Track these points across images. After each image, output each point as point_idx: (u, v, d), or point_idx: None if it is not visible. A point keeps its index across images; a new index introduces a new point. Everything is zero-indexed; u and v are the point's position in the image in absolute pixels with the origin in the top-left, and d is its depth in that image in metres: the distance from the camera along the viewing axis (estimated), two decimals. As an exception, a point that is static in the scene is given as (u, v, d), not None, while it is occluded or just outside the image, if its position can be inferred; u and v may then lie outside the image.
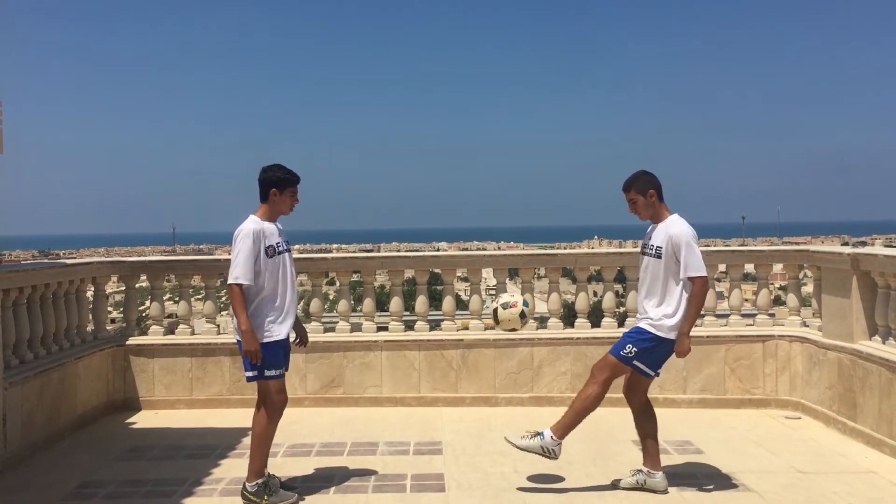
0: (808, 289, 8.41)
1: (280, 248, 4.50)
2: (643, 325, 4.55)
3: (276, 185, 4.49)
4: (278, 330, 4.47)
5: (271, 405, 4.49)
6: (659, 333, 4.48)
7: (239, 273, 4.33)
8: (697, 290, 4.42)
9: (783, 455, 5.39)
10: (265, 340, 4.40)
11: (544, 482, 4.88)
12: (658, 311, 4.50)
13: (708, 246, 7.44)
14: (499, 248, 55.74)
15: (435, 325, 7.39)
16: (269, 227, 4.49)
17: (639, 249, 4.90)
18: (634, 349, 4.51)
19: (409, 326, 7.42)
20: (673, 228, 4.50)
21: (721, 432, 6.03)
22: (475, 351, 7.02)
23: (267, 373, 4.43)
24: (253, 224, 4.42)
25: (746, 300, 8.20)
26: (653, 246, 4.58)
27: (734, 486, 4.79)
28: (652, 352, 4.52)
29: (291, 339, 4.73)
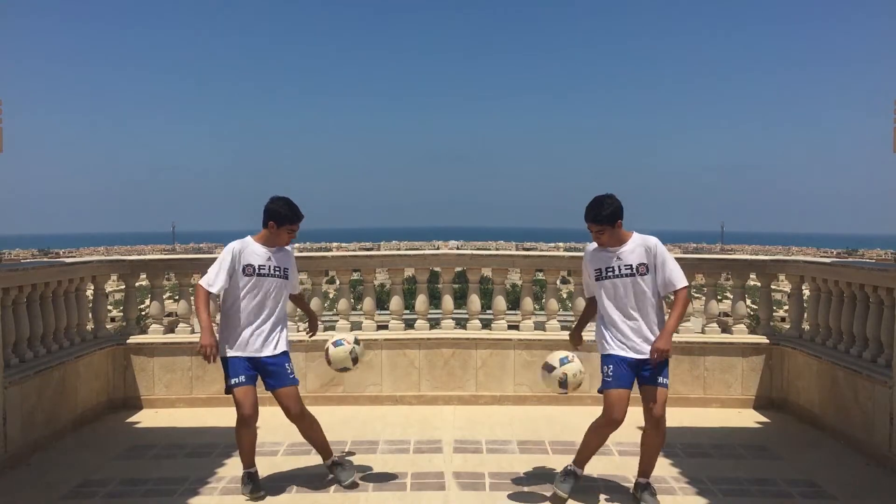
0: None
1: (261, 271, 4.56)
2: None
3: (275, 220, 4.58)
4: (234, 350, 4.55)
5: (237, 414, 4.53)
6: None
7: (206, 279, 4.54)
8: None
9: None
10: (227, 354, 4.56)
11: (546, 480, 4.88)
12: None
13: (706, 254, 7.46)
14: (497, 249, 55.69)
15: (435, 323, 7.40)
16: (256, 248, 4.60)
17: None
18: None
19: (410, 325, 7.43)
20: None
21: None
22: (475, 350, 7.03)
23: (229, 382, 4.54)
24: (235, 243, 4.62)
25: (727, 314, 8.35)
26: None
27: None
28: None
29: (300, 330, 4.78)
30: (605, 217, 4.29)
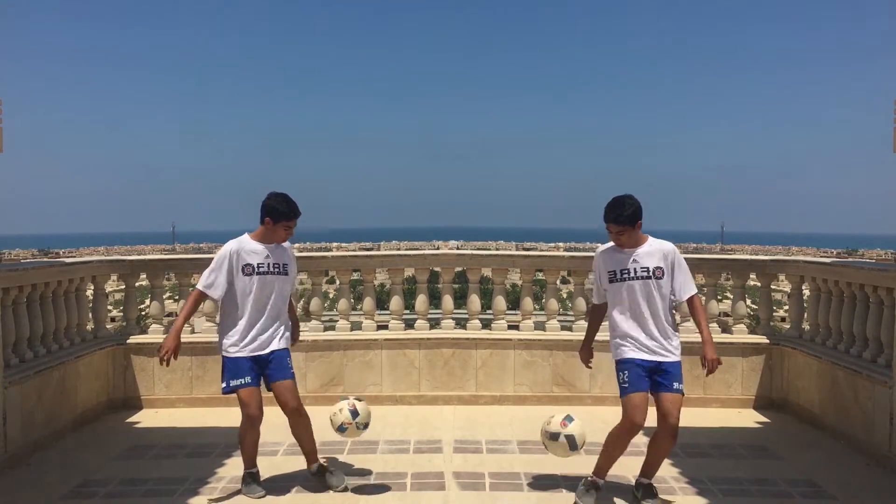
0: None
1: (261, 269, 4.54)
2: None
3: (272, 216, 4.55)
4: (239, 349, 4.54)
5: (243, 414, 4.54)
6: None
7: (204, 282, 4.52)
8: None
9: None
10: (229, 354, 4.55)
11: (546, 479, 4.89)
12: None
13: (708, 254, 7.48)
14: (497, 249, 55.68)
15: (435, 323, 7.39)
16: (253, 247, 4.58)
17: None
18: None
19: (410, 325, 7.43)
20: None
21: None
22: (475, 350, 7.03)
23: (232, 382, 4.52)
24: (231, 244, 4.59)
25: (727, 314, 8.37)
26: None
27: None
28: None
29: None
30: (627, 217, 4.23)
